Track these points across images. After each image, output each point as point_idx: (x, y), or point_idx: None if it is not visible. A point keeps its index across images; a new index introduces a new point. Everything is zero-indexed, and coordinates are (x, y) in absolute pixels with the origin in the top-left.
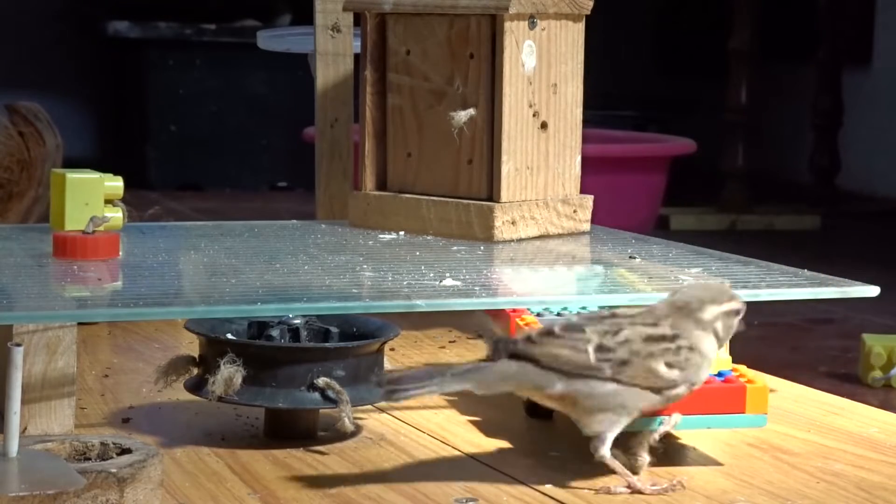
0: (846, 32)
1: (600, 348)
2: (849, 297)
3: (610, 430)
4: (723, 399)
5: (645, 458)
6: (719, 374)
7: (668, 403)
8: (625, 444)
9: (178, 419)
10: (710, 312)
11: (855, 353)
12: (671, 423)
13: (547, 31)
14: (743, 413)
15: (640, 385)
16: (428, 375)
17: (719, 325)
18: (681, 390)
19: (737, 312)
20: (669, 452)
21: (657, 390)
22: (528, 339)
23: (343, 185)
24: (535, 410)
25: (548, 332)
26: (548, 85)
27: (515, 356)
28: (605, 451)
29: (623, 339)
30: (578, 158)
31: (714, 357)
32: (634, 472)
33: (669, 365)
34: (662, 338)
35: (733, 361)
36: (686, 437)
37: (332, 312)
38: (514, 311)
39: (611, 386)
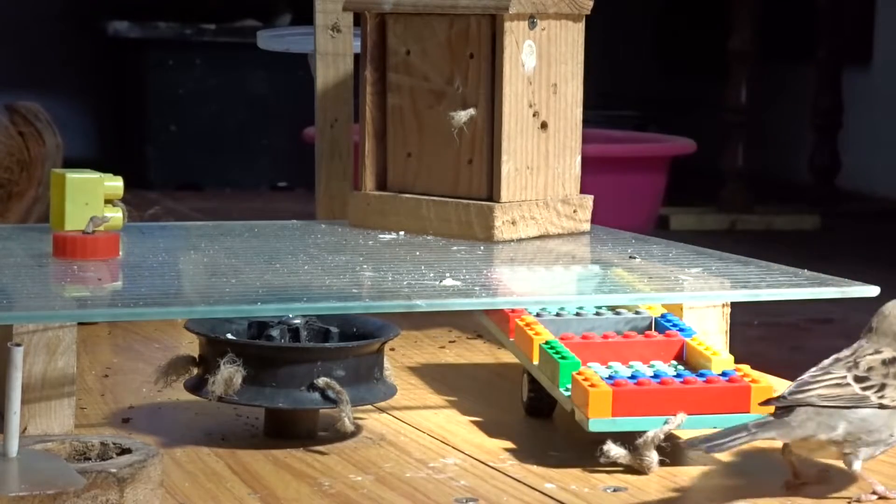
0: (846, 32)
1: (857, 379)
2: (849, 297)
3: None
4: (728, 398)
5: (653, 457)
6: (723, 374)
7: None
8: (632, 444)
9: (178, 419)
10: None
11: None
12: (676, 423)
13: (547, 31)
14: (748, 412)
15: None
16: (734, 431)
17: None
18: None
19: None
20: (670, 452)
21: None
22: (791, 394)
23: (343, 185)
24: (535, 410)
25: (802, 383)
26: (548, 85)
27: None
28: (858, 465)
29: (866, 367)
30: (578, 158)
31: None
32: (643, 471)
33: None
34: (893, 360)
35: (735, 362)
36: (688, 436)
37: (332, 312)
38: (513, 311)
39: (883, 414)
